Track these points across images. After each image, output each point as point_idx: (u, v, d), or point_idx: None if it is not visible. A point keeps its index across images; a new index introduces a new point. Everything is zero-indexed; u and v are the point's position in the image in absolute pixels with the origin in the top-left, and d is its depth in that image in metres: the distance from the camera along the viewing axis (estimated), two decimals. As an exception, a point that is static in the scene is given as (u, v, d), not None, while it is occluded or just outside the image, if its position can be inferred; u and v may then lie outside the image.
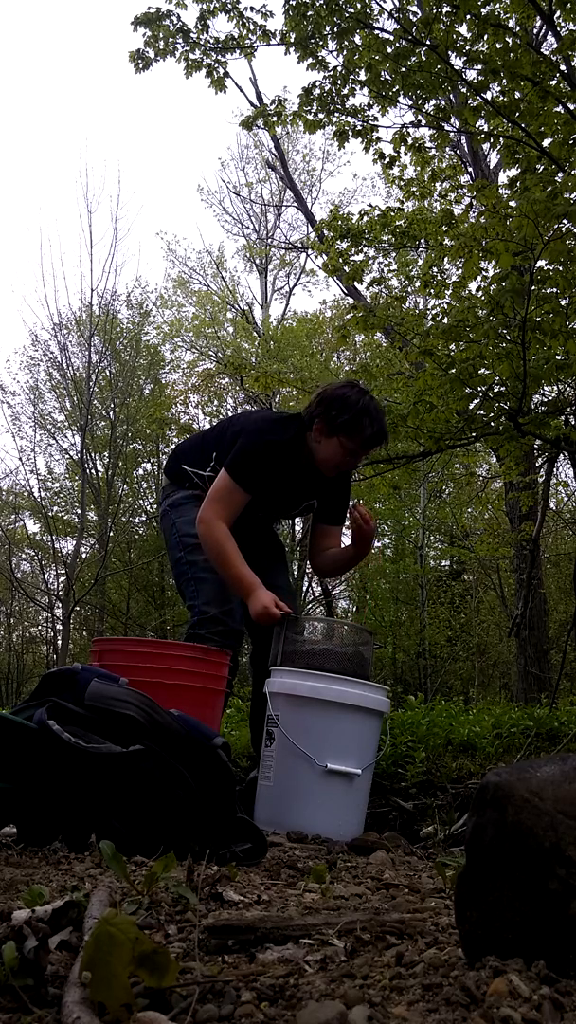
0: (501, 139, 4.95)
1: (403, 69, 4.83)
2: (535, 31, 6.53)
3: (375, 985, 0.86)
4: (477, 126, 5.09)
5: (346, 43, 5.18)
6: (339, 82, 5.45)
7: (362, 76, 5.23)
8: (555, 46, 4.63)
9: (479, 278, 5.13)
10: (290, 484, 2.97)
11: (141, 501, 17.23)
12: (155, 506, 16.94)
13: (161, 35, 5.63)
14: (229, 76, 5.96)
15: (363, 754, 2.57)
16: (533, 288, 4.15)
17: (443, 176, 7.64)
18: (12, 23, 31.34)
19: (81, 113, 33.82)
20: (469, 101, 4.75)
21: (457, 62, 4.77)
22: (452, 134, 6.75)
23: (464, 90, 4.82)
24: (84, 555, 14.62)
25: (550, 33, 5.21)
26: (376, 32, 4.97)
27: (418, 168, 7.26)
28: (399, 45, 4.78)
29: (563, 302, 4.31)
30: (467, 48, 4.70)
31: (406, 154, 6.04)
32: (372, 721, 2.61)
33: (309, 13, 5.11)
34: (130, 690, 1.85)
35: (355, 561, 3.10)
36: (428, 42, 4.61)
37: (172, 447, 3.67)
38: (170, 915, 1.17)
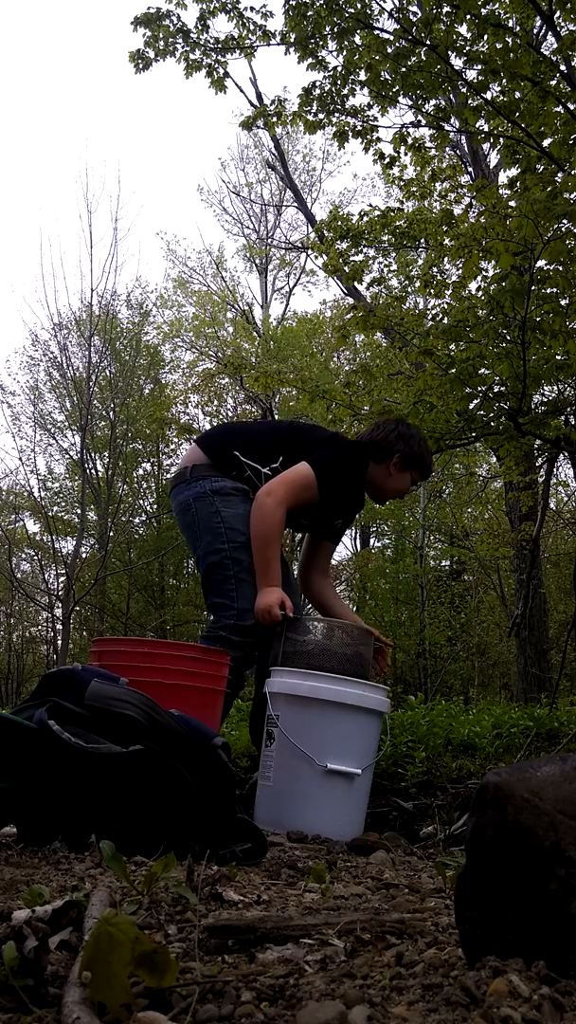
0: (501, 139, 4.95)
1: (403, 69, 4.82)
2: (535, 31, 6.52)
3: (375, 985, 0.86)
4: (477, 126, 5.09)
5: (346, 43, 5.18)
6: (339, 82, 5.45)
7: (362, 76, 5.22)
8: (555, 46, 4.63)
9: (479, 278, 5.13)
10: (342, 503, 3.08)
11: (141, 501, 17.24)
12: (155, 506, 16.94)
13: (161, 35, 5.63)
14: (229, 76, 5.96)
15: (363, 754, 2.57)
16: (533, 288, 4.14)
17: (443, 176, 7.64)
18: (13, 23, 31.35)
19: (81, 113, 33.85)
20: (469, 101, 4.75)
21: (457, 62, 4.77)
22: (452, 134, 6.75)
23: (464, 90, 4.81)
24: (84, 555, 14.61)
25: (550, 33, 5.21)
26: (376, 32, 4.96)
27: (418, 168, 7.26)
28: (399, 45, 4.78)
29: (563, 302, 4.31)
30: (467, 48, 4.70)
31: (406, 154, 6.03)
32: (372, 721, 2.61)
33: (309, 13, 5.10)
34: (130, 690, 1.85)
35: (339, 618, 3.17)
36: (428, 42, 4.61)
37: (217, 427, 3.80)
38: (170, 915, 1.17)
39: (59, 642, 13.67)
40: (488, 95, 4.64)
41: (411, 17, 4.88)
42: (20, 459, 17.01)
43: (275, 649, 2.72)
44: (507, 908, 0.86)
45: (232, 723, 4.65)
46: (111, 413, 14.61)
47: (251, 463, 2.98)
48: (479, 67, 4.65)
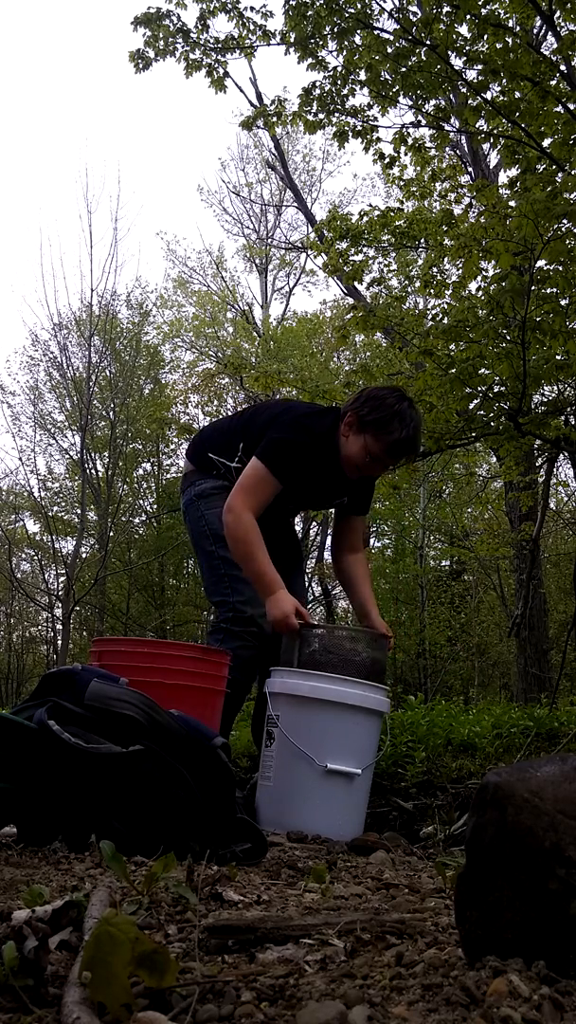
0: (501, 139, 4.94)
1: (403, 69, 4.83)
2: (535, 31, 6.52)
3: (375, 985, 0.86)
4: (477, 126, 5.09)
5: (346, 43, 5.18)
6: (339, 82, 5.45)
7: (362, 76, 5.23)
8: (555, 46, 4.63)
9: (479, 278, 5.13)
10: (323, 478, 2.92)
11: (141, 501, 17.24)
12: (155, 506, 16.93)
13: (161, 35, 5.63)
14: (229, 76, 5.97)
15: (363, 754, 2.57)
16: (533, 288, 4.14)
17: (443, 176, 7.64)
18: (13, 23, 31.35)
19: (81, 113, 33.86)
20: (469, 101, 4.75)
21: (457, 62, 4.77)
22: (452, 134, 6.75)
23: (464, 90, 4.81)
24: (84, 555, 14.61)
25: (550, 33, 5.20)
26: (376, 32, 4.97)
27: (418, 168, 7.26)
28: (399, 45, 4.78)
29: (563, 302, 4.31)
30: (467, 48, 4.70)
31: (406, 154, 6.04)
32: (372, 721, 2.61)
33: (309, 13, 5.11)
34: (130, 690, 1.85)
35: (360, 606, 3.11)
36: (428, 42, 4.61)
37: (195, 433, 3.74)
38: (170, 915, 1.17)
39: (59, 642, 13.67)
40: (488, 95, 4.64)
41: (411, 17, 4.88)
42: (20, 459, 17.03)
43: (290, 656, 2.67)
44: (507, 908, 0.86)
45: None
46: (111, 413, 14.61)
47: (222, 460, 3.00)
48: (479, 67, 4.65)
